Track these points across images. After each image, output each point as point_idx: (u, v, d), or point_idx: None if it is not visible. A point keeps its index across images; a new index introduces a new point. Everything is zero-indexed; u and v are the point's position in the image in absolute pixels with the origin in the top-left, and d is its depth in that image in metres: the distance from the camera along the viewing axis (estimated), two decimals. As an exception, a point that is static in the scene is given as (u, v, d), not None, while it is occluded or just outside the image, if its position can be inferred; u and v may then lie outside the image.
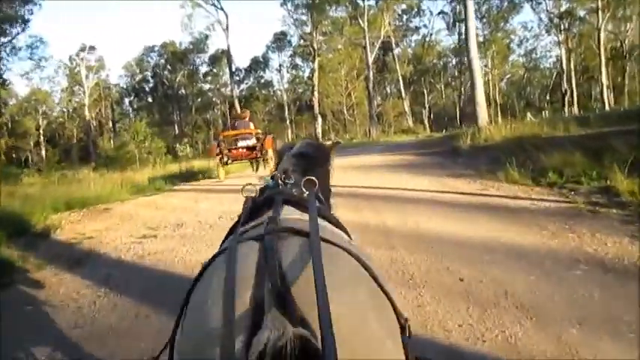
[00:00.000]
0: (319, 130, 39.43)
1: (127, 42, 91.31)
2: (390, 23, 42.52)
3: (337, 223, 1.15)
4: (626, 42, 40.77)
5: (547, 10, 38.81)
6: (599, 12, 36.41)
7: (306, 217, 1.01)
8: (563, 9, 39.25)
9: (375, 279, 0.90)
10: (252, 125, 11.79)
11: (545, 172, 6.26)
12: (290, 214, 1.07)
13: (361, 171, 9.23)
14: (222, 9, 38.54)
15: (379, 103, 46.74)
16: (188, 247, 4.78)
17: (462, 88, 54.37)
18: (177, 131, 52.86)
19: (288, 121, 48.93)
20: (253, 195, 1.23)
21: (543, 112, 39.29)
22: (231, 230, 1.16)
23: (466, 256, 3.60)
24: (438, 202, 5.64)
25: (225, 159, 11.14)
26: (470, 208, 5.24)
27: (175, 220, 6.34)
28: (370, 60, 38.77)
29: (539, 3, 40.65)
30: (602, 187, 5.26)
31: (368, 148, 23.00)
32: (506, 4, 46.86)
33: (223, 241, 1.13)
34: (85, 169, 21.93)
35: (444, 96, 60.83)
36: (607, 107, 36.73)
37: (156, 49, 52.74)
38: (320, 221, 0.98)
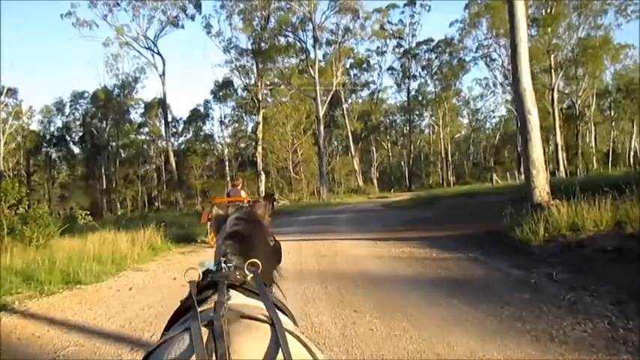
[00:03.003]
0: (262, 188, 34.86)
1: (52, 85, 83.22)
2: (340, 75, 39.57)
3: (282, 307, 1.14)
4: (578, 102, 40.18)
5: (503, 67, 37.39)
6: (552, 71, 35.44)
7: (252, 301, 1.05)
8: (517, 67, 38.09)
9: None
10: (243, 193, 11.87)
11: None
12: (237, 299, 1.06)
13: (336, 305, 4.46)
14: (158, 53, 33.98)
15: (327, 161, 42.88)
16: None
17: (411, 147, 52.16)
18: (104, 186, 46.15)
19: (228, 177, 43.72)
20: (196, 279, 1.20)
21: (496, 175, 37.10)
22: (175, 316, 1.12)
23: None
24: None
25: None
26: None
27: None
28: (321, 113, 35.14)
29: (494, 59, 39.45)
30: None
31: (325, 216, 18.24)
32: (456, 61, 45.79)
33: (167, 327, 1.12)
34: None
35: (390, 155, 58.52)
36: (562, 168, 35.09)
37: (86, 95, 46.71)
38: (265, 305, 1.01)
